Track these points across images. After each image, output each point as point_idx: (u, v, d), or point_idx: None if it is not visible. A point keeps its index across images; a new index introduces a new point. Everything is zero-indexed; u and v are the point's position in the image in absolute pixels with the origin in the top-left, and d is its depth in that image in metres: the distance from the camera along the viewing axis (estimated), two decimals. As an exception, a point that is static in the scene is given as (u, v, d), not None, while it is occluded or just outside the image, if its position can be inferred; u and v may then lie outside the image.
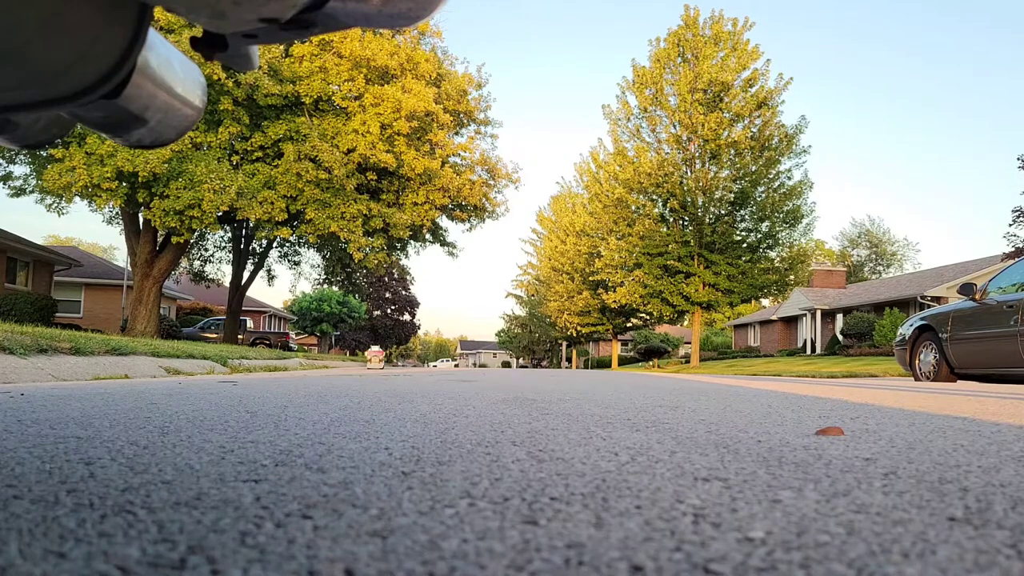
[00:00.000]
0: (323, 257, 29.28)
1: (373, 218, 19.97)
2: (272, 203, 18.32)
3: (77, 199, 19.13)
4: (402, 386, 5.27)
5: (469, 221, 23.93)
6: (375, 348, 20.69)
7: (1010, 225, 26.90)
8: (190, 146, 17.66)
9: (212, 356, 10.08)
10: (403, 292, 65.29)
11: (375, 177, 19.85)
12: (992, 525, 0.90)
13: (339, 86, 19.11)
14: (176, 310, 37.43)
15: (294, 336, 42.58)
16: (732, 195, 30.09)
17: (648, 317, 40.77)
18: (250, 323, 39.23)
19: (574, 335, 48.79)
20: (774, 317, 43.16)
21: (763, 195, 30.30)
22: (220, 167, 17.67)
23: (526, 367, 63.49)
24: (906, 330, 9.92)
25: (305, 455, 1.44)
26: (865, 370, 16.93)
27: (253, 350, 16.28)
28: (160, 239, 21.22)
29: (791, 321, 42.28)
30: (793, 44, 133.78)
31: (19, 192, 20.56)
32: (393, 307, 65.53)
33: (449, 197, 21.71)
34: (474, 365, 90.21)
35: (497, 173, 23.43)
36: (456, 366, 77.97)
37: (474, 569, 0.69)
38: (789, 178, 30.56)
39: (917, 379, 9.58)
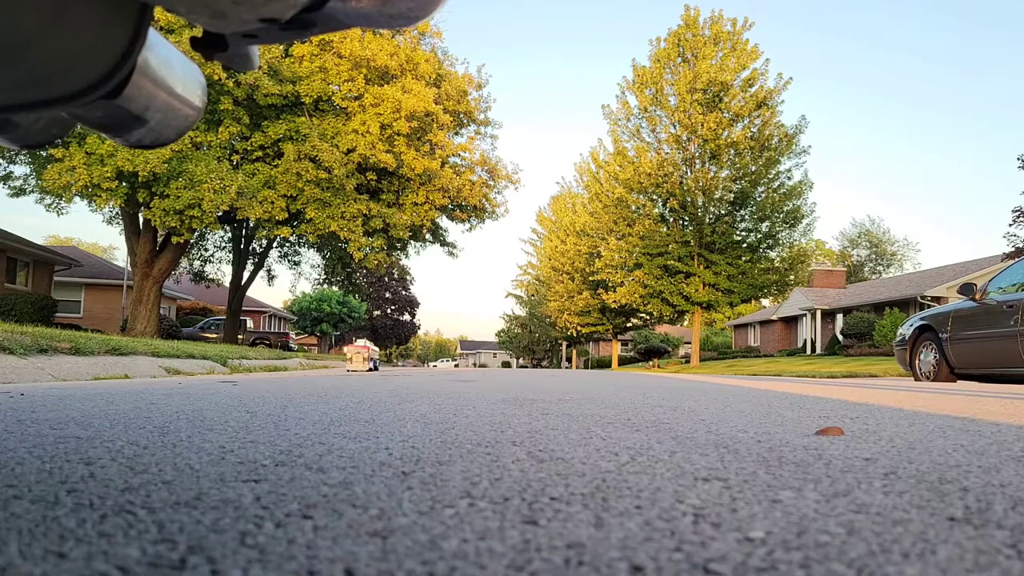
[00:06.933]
0: (323, 257, 29.27)
1: (373, 218, 19.96)
2: (272, 202, 18.32)
3: (77, 199, 19.12)
4: (402, 386, 5.28)
5: (469, 221, 23.92)
6: (360, 342, 14.78)
7: (1010, 225, 26.89)
8: (190, 146, 17.66)
9: (212, 356, 10.08)
10: (403, 292, 65.30)
11: (375, 177, 19.86)
12: (992, 525, 0.90)
13: (339, 86, 19.11)
14: (176, 310, 37.42)
15: (294, 336, 42.56)
16: (732, 195, 30.09)
17: (648, 317, 40.78)
18: (250, 323, 39.25)
19: (574, 335, 48.82)
20: (774, 317, 43.16)
21: (763, 195, 30.31)
22: (220, 167, 17.67)
23: (526, 367, 63.50)
24: (906, 330, 9.92)
25: (305, 455, 1.44)
26: (865, 370, 16.93)
27: (253, 350, 16.28)
28: (160, 239, 21.21)
29: (791, 321, 42.29)
30: (793, 44, 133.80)
31: (19, 192, 20.56)
32: (393, 307, 65.54)
33: (449, 197, 21.71)
34: (474, 365, 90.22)
35: (497, 174, 23.43)
36: (456, 366, 77.95)
37: (474, 569, 0.69)
38: (789, 178, 30.59)
39: (917, 379, 9.58)
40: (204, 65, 12.34)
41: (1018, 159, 25.55)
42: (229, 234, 26.69)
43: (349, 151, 18.90)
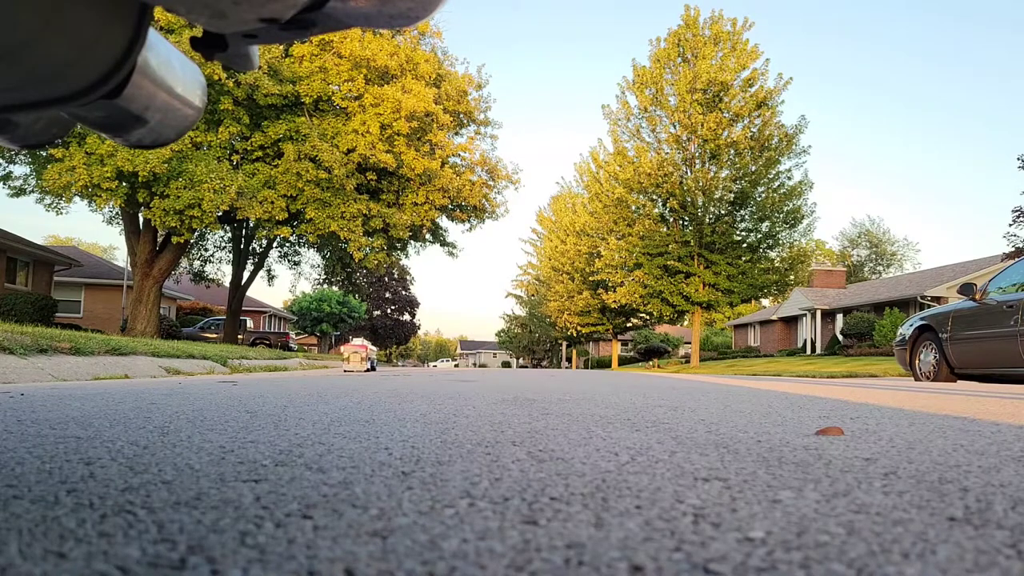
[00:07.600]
0: (323, 257, 29.28)
1: (373, 218, 19.97)
2: (272, 202, 18.33)
3: (77, 199, 19.12)
4: (401, 386, 5.28)
5: (469, 221, 23.92)
6: (357, 341, 14.18)
7: (1010, 225, 26.88)
8: (190, 146, 17.66)
9: (212, 356, 10.08)
10: (403, 292, 65.30)
11: (375, 177, 19.86)
12: (992, 525, 0.90)
13: (339, 86, 19.11)
14: (176, 310, 37.42)
15: (294, 336, 42.55)
16: (732, 195, 30.10)
17: (648, 317, 40.76)
18: (250, 323, 39.24)
19: (574, 335, 48.79)
20: (774, 317, 43.15)
21: (763, 195, 30.32)
22: (220, 167, 17.67)
23: (526, 367, 63.50)
24: (906, 330, 9.92)
25: (305, 455, 1.44)
26: (865, 370, 16.93)
27: (253, 350, 16.27)
28: (160, 239, 21.21)
29: (791, 321, 42.28)
30: (793, 44, 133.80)
31: (19, 192, 20.55)
32: (393, 307, 65.55)
33: (449, 197, 21.71)
34: (474, 365, 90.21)
35: (497, 174, 23.43)
36: (456, 366, 77.92)
37: (474, 569, 0.69)
38: (789, 178, 30.60)
39: (917, 379, 9.58)
40: (204, 65, 12.35)
41: (1018, 159, 25.56)
42: (229, 234, 26.69)
43: (349, 151, 18.90)
